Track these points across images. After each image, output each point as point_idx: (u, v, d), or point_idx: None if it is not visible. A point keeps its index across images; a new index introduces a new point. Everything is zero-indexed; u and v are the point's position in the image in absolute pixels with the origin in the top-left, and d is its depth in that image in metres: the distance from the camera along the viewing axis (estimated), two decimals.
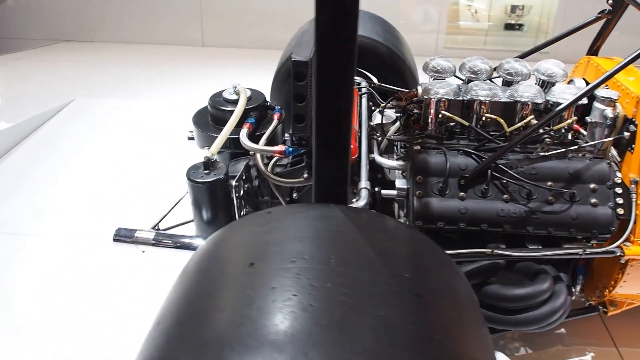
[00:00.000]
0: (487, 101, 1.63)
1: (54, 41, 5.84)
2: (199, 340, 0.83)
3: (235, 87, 2.07)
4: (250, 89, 2.09)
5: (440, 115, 1.63)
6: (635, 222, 1.51)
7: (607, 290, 1.66)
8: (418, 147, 1.63)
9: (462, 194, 1.55)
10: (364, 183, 1.54)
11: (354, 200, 1.51)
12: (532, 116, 1.62)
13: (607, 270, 1.64)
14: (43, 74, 4.37)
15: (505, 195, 1.54)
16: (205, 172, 1.72)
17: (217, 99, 2.08)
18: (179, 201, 1.98)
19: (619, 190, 1.55)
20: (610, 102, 1.59)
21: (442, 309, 0.93)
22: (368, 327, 0.81)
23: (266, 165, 1.81)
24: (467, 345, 0.89)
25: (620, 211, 1.53)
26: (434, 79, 1.83)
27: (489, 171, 1.54)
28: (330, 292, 0.87)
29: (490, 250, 1.52)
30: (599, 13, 1.81)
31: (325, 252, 0.97)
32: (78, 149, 3.18)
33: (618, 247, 1.52)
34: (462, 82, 1.83)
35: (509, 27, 5.95)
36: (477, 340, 0.92)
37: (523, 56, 1.98)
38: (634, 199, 1.52)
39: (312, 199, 1.81)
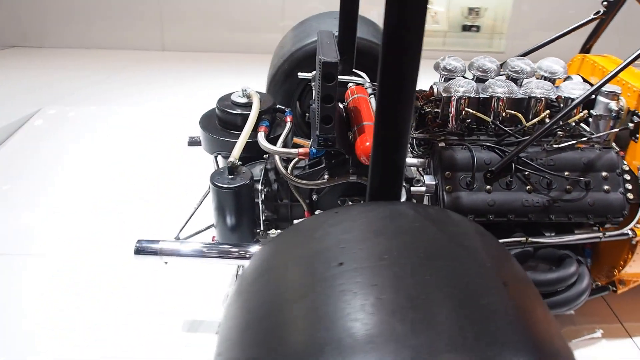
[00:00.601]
0: (505, 98, 1.71)
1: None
2: (311, 343, 0.83)
3: (245, 91, 2.05)
4: (259, 92, 2.08)
5: (463, 113, 1.70)
6: None
7: (616, 270, 1.78)
8: (442, 144, 1.69)
9: (488, 187, 1.62)
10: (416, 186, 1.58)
11: None
12: (548, 111, 1.72)
13: (616, 252, 1.77)
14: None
15: (528, 187, 1.63)
16: (230, 177, 1.70)
17: (226, 103, 2.05)
18: (196, 209, 1.94)
19: (627, 177, 1.68)
20: (614, 96, 1.71)
21: (526, 295, 0.98)
22: (478, 317, 0.85)
23: (285, 168, 1.81)
24: (554, 328, 0.94)
25: (630, 196, 1.66)
26: (444, 79, 1.90)
27: (513, 164, 1.62)
28: (431, 286, 0.90)
29: (525, 238, 1.60)
30: (594, 14, 1.95)
31: (411, 248, 0.99)
32: (58, 156, 3.04)
33: (631, 229, 1.65)
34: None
35: (466, 28, 6.19)
36: (555, 322, 0.97)
37: (524, 55, 2.09)
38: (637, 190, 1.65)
39: (333, 201, 1.84)
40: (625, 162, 1.70)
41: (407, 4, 1.01)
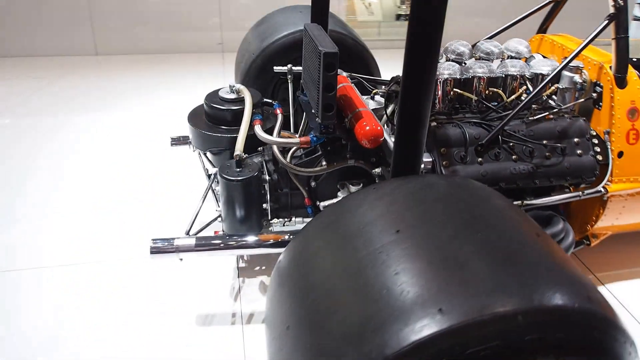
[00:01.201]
0: (485, 77, 1.86)
1: None
2: (399, 299, 0.90)
3: (234, 87, 2.08)
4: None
5: (451, 93, 1.83)
6: (612, 166, 1.86)
7: (589, 226, 1.99)
8: (434, 123, 1.81)
9: (480, 159, 1.76)
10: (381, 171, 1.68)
11: None
12: (524, 87, 1.89)
13: (588, 209, 1.97)
14: None
15: (514, 157, 1.79)
16: (238, 170, 1.73)
17: (214, 99, 2.07)
18: (201, 205, 1.95)
19: (595, 141, 1.88)
20: (578, 70, 1.91)
21: (551, 242, 1.12)
22: (532, 262, 0.97)
23: (284, 158, 1.86)
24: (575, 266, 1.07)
25: (600, 157, 1.86)
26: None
27: (500, 137, 1.78)
28: (481, 242, 1.01)
29: (520, 202, 1.76)
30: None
31: (454, 211, 1.10)
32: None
33: (603, 187, 1.86)
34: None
35: (399, 17, 6.44)
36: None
37: (491, 37, 2.26)
38: (609, 147, 1.86)
39: (331, 186, 1.90)
40: (591, 128, 1.90)
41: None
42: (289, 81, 2.32)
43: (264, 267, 2.11)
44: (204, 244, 1.66)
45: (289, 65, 2.31)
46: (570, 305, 0.88)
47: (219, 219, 1.91)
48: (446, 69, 1.84)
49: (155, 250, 1.64)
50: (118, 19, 5.50)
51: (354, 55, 2.57)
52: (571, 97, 1.93)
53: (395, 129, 1.27)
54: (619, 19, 1.78)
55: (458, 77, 1.83)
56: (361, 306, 0.95)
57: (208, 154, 2.12)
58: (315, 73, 1.69)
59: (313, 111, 1.83)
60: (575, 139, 1.85)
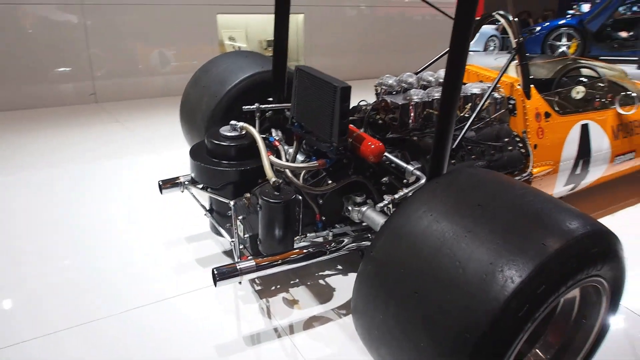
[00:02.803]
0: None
1: None
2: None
3: (235, 125, 2.28)
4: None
5: (425, 112, 2.31)
6: (532, 156, 2.51)
7: None
8: (415, 137, 2.26)
9: (453, 161, 2.26)
10: (417, 171, 2.04)
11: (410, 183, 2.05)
12: (469, 104, 2.45)
13: None
14: None
15: (473, 156, 2.33)
16: (277, 193, 1.95)
17: (217, 136, 2.25)
18: (237, 232, 2.09)
19: (517, 139, 2.53)
20: (497, 89, 2.55)
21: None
22: (565, 212, 1.46)
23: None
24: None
25: (523, 151, 2.51)
26: (384, 92, 2.48)
27: (463, 143, 2.30)
28: (518, 209, 1.46)
29: None
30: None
31: (511, 194, 1.54)
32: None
33: (529, 172, 2.50)
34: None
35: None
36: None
37: (416, 73, 2.81)
38: (527, 142, 2.51)
39: (335, 201, 2.21)
40: (513, 130, 2.55)
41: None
42: (257, 118, 2.59)
43: (278, 286, 2.31)
44: (264, 264, 1.85)
45: (256, 104, 2.58)
46: (599, 231, 1.39)
47: (234, 245, 2.09)
48: (415, 95, 2.31)
49: (220, 278, 1.78)
50: None
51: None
52: (493, 109, 2.56)
53: (434, 141, 1.68)
54: (521, 51, 2.47)
55: (426, 100, 2.32)
56: (482, 259, 1.31)
57: (208, 191, 2.27)
58: (325, 104, 2.02)
59: (315, 138, 2.14)
60: (506, 139, 2.47)
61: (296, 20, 7.08)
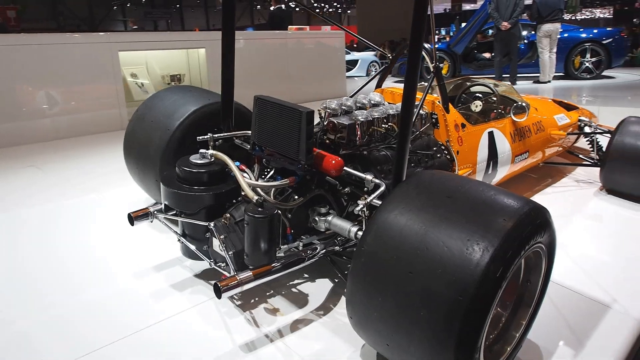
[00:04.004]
0: (382, 117, 2.74)
1: None
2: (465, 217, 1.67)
3: (204, 153, 2.44)
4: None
5: (371, 129, 2.64)
6: (456, 161, 2.96)
7: None
8: (365, 152, 2.59)
9: None
10: (376, 180, 2.34)
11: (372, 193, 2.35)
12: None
13: None
14: None
15: (412, 164, 2.71)
16: (260, 209, 2.15)
17: (189, 164, 2.39)
18: (227, 252, 2.23)
19: (442, 147, 2.97)
20: (421, 106, 2.98)
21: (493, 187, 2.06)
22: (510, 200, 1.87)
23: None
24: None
25: (448, 157, 2.95)
26: (329, 115, 2.79)
27: None
28: (472, 200, 1.85)
29: None
30: (382, 63, 3.18)
31: (467, 186, 1.91)
32: None
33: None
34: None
35: None
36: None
37: (352, 95, 3.16)
38: (452, 150, 2.96)
39: (303, 214, 2.45)
40: (438, 140, 2.99)
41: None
42: (210, 147, 2.76)
43: (257, 298, 2.48)
44: (261, 273, 2.05)
45: (209, 134, 2.76)
46: (536, 206, 1.80)
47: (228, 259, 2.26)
48: (360, 115, 2.65)
49: (225, 289, 1.94)
50: None
51: (242, 117, 3.14)
52: (420, 124, 2.98)
53: (396, 152, 2.03)
54: (438, 74, 2.94)
55: (369, 119, 2.67)
56: (461, 237, 1.65)
57: (182, 216, 2.40)
58: (291, 128, 2.28)
59: (281, 159, 2.39)
60: (434, 148, 2.90)
61: (198, 54, 7.23)
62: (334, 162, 2.35)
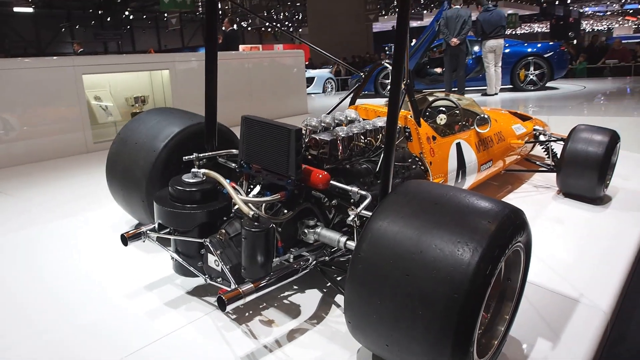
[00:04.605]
0: (360, 132, 2.89)
1: None
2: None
3: (197, 172, 2.51)
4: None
5: (351, 144, 2.78)
6: (430, 171, 3.14)
7: None
8: (348, 166, 2.73)
9: (379, 181, 2.77)
10: (362, 191, 2.47)
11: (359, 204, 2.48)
12: (380, 135, 3.00)
13: None
14: None
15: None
16: (257, 224, 2.24)
17: (182, 184, 2.45)
18: (223, 265, 2.30)
19: (417, 158, 3.15)
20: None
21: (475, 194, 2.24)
22: (489, 206, 2.06)
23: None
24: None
25: (422, 167, 3.13)
26: (310, 132, 2.92)
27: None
28: (456, 207, 2.03)
29: None
30: (356, 82, 3.35)
31: (451, 193, 2.08)
32: None
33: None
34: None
35: (135, 115, 6.90)
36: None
37: (329, 112, 3.30)
38: (425, 161, 3.15)
39: (292, 227, 2.56)
40: (412, 153, 3.17)
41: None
42: (195, 166, 2.84)
43: (251, 312, 2.55)
44: (263, 285, 2.14)
45: (195, 154, 2.84)
46: (514, 209, 1.99)
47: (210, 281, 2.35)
48: (341, 131, 2.79)
49: (230, 302, 2.02)
50: None
51: (223, 135, 3.23)
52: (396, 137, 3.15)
53: (382, 165, 2.18)
54: (410, 91, 3.13)
55: (350, 134, 2.82)
56: (452, 239, 1.80)
57: (175, 234, 2.46)
58: (281, 145, 2.40)
59: (269, 175, 2.50)
60: (409, 160, 3.08)
61: (161, 76, 7.24)
62: (321, 176, 2.48)
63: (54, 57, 6.15)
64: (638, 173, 5.07)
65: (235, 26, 11.26)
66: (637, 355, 2.71)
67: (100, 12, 35.45)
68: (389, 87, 10.57)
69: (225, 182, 2.46)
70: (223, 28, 10.73)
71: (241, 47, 17.84)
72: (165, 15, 27.69)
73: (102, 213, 3.91)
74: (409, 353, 1.85)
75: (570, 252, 3.26)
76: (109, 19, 36.90)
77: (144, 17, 39.41)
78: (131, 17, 37.18)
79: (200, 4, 37.87)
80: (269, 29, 38.99)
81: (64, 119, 6.11)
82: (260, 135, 2.53)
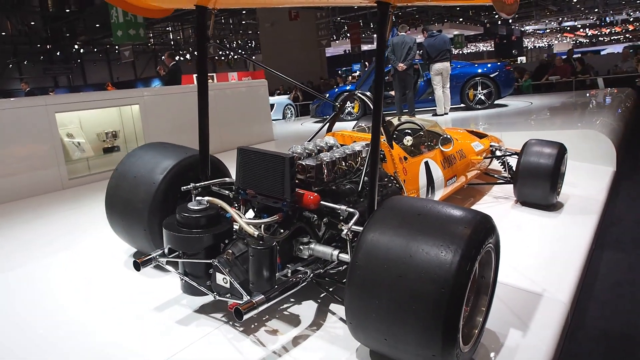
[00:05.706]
0: (341, 157, 3.21)
1: None
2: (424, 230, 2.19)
3: (201, 200, 2.76)
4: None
5: (335, 167, 3.10)
6: (404, 188, 3.50)
7: None
8: (334, 187, 3.05)
9: (362, 199, 3.09)
10: (349, 209, 2.78)
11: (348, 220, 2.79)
12: (359, 158, 3.33)
13: None
14: None
15: None
16: (261, 242, 2.52)
17: (189, 210, 2.70)
18: (231, 280, 2.54)
19: (392, 178, 3.50)
20: (368, 145, 3.50)
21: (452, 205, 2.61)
22: (464, 215, 2.42)
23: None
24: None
25: (398, 185, 3.49)
26: (297, 159, 3.22)
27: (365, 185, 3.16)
28: (437, 218, 2.39)
29: None
30: (333, 111, 3.70)
31: (429, 205, 2.44)
32: None
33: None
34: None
35: (108, 150, 7.04)
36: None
37: (309, 140, 3.61)
38: (400, 180, 3.50)
39: (287, 244, 2.84)
40: (387, 172, 3.52)
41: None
42: (193, 196, 3.10)
43: (256, 324, 2.80)
44: (272, 295, 2.41)
45: (192, 184, 3.10)
46: (484, 215, 2.36)
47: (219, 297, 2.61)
48: (325, 157, 3.11)
49: (246, 311, 2.28)
50: None
51: (216, 167, 3.50)
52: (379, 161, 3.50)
53: (369, 186, 2.52)
54: (382, 117, 3.49)
55: (334, 159, 3.14)
56: (436, 243, 2.14)
57: (184, 257, 2.70)
58: (276, 172, 2.71)
59: (265, 199, 2.79)
60: (385, 179, 3.43)
61: (131, 111, 7.41)
62: (312, 197, 2.78)
63: (27, 98, 6.23)
64: (585, 180, 5.63)
65: (177, 58, 11.50)
66: (595, 339, 3.11)
67: (48, 46, 34.82)
68: (347, 109, 10.99)
69: (229, 207, 2.73)
70: (165, 63, 11.01)
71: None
72: (117, 47, 27.52)
73: (96, 244, 4.06)
74: (405, 343, 2.16)
75: (530, 254, 3.67)
76: (58, 53, 36.29)
77: (95, 50, 38.96)
78: (81, 50, 36.67)
79: (151, 35, 37.91)
80: (222, 58, 39.30)
81: (39, 156, 6.18)
82: (255, 164, 2.82)
